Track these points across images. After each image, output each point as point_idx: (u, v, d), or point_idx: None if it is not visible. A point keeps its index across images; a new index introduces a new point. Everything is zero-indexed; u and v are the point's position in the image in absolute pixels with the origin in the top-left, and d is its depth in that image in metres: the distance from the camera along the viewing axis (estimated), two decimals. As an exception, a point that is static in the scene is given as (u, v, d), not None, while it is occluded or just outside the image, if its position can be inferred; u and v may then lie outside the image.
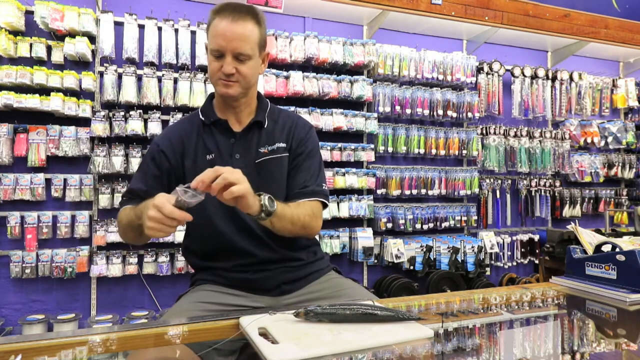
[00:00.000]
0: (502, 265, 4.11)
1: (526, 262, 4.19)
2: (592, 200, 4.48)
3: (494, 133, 4.03)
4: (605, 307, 1.22)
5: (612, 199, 4.59)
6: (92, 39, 2.99)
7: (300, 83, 3.30)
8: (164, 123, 3.07)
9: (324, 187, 1.40)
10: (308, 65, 3.52)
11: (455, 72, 3.82)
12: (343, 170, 3.45)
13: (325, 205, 1.40)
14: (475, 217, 3.95)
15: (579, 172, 4.42)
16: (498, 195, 4.13)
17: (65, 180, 2.92)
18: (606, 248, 1.39)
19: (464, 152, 3.88)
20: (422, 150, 3.75)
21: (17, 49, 2.83)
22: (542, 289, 1.43)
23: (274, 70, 3.28)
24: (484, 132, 4.03)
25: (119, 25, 3.04)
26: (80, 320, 2.90)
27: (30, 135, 2.85)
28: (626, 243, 1.43)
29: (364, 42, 3.54)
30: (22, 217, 2.84)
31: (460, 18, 3.65)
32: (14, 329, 2.84)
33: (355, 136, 3.65)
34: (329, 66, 3.50)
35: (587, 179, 4.47)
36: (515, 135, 4.11)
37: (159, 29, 3.09)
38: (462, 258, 3.71)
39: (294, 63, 3.39)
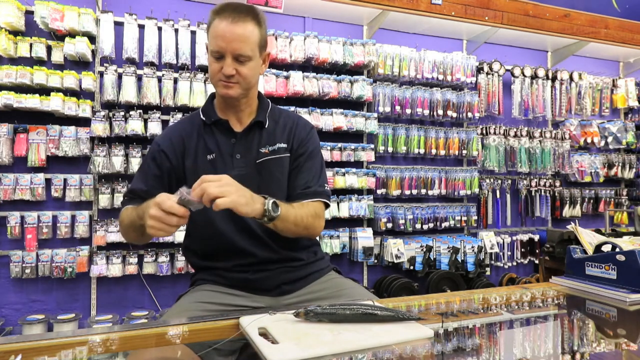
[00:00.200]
0: (502, 265, 4.11)
1: (526, 262, 4.19)
2: (592, 200, 4.48)
3: (494, 133, 4.03)
4: (605, 307, 1.22)
5: (612, 199, 4.59)
6: (92, 39, 2.99)
7: (300, 83, 3.30)
8: (164, 123, 3.07)
9: (326, 188, 1.40)
10: (308, 65, 3.52)
11: (455, 72, 3.82)
12: (343, 170, 3.45)
13: (327, 206, 1.40)
14: (475, 217, 3.95)
15: (579, 172, 4.42)
16: (498, 195, 4.14)
17: (65, 180, 2.92)
18: (606, 248, 1.39)
19: (464, 152, 3.88)
20: (422, 150, 3.75)
21: (17, 49, 2.83)
22: (542, 289, 1.43)
23: (274, 70, 3.28)
24: (484, 132, 4.03)
25: (119, 25, 3.04)
26: (80, 320, 2.90)
27: (30, 135, 2.85)
28: (626, 243, 1.43)
29: (364, 42, 3.54)
30: (22, 217, 2.84)
31: (460, 18, 3.65)
32: (14, 329, 2.84)
33: (355, 136, 3.65)
34: (329, 66, 3.50)
35: (587, 179, 4.47)
36: (515, 135, 4.11)
37: (159, 29, 3.09)
38: (462, 258, 3.71)
39: (294, 63, 3.39)
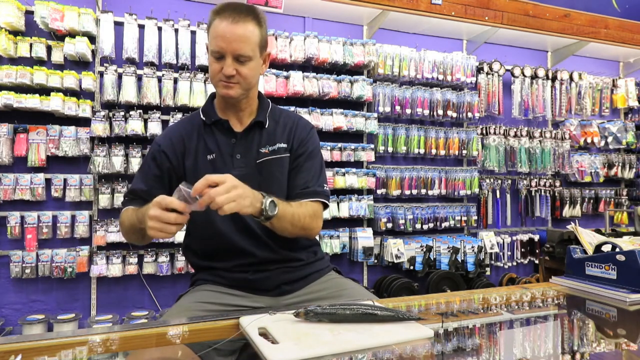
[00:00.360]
0: (502, 265, 4.11)
1: (526, 262, 4.19)
2: (592, 200, 4.48)
3: (494, 133, 4.03)
4: (605, 307, 1.22)
5: (612, 199, 4.59)
6: (92, 39, 2.99)
7: (300, 83, 3.30)
8: (164, 123, 3.07)
9: (325, 188, 1.40)
10: (308, 65, 3.52)
11: (455, 72, 3.82)
12: (343, 170, 3.45)
13: (326, 206, 1.40)
14: (475, 217, 3.95)
15: (579, 172, 4.42)
16: (498, 195, 4.13)
17: (65, 180, 2.92)
18: (606, 248, 1.39)
19: (464, 152, 3.88)
20: (422, 150, 3.75)
21: (17, 49, 2.83)
22: (542, 289, 1.43)
23: (274, 70, 3.28)
24: (484, 132, 4.03)
25: (119, 25, 3.04)
26: (80, 320, 2.90)
27: (30, 135, 2.85)
28: (626, 243, 1.43)
29: (364, 42, 3.54)
30: (22, 217, 2.84)
31: (460, 18, 3.65)
32: (14, 329, 2.84)
33: (355, 136, 3.65)
34: (329, 66, 3.50)
35: (587, 179, 4.47)
36: (515, 135, 4.11)
37: (159, 29, 3.09)
38: (462, 258, 3.71)
39: (294, 63, 3.39)
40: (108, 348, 0.97)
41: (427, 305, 1.26)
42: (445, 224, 3.80)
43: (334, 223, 3.51)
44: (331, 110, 3.41)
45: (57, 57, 2.90)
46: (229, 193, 1.03)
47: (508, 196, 4.20)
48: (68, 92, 2.90)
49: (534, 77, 4.24)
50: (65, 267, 2.86)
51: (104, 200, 2.93)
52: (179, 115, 3.07)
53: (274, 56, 3.29)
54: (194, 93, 3.08)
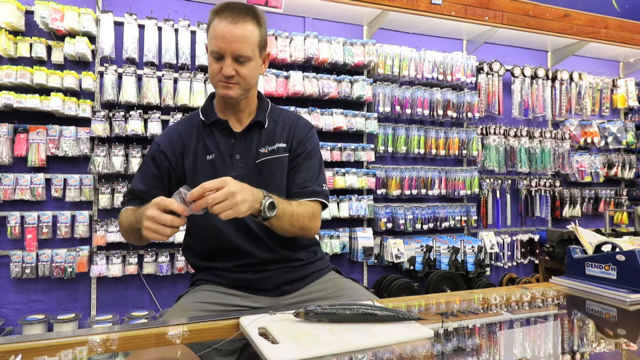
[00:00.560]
0: (502, 265, 4.11)
1: (526, 262, 4.19)
2: (592, 200, 4.48)
3: (494, 133, 4.03)
4: (605, 307, 1.22)
5: (612, 199, 4.59)
6: (92, 39, 2.99)
7: (300, 83, 3.30)
8: (164, 123, 3.07)
9: (324, 188, 1.40)
10: (308, 65, 3.52)
11: (455, 72, 3.82)
12: (343, 170, 3.45)
13: (325, 206, 1.40)
14: (475, 217, 3.95)
15: (579, 172, 4.42)
16: (498, 195, 4.13)
17: (65, 180, 2.92)
18: (606, 248, 1.39)
19: (464, 152, 3.88)
20: (422, 150, 3.75)
21: (17, 49, 2.83)
22: (542, 289, 1.43)
23: (274, 70, 3.28)
24: (484, 132, 4.03)
25: (119, 25, 3.04)
26: (80, 320, 2.90)
27: (30, 135, 2.85)
28: (626, 243, 1.43)
29: (364, 42, 3.54)
30: (22, 217, 2.84)
31: (460, 18, 3.65)
32: (14, 329, 2.84)
33: (355, 136, 3.65)
34: (329, 66, 3.50)
35: (587, 179, 4.47)
36: (515, 135, 4.11)
37: (159, 29, 3.09)
38: (462, 258, 3.71)
39: (294, 63, 3.39)
40: (108, 348, 0.97)
41: (427, 305, 1.26)
42: (445, 224, 3.80)
43: (334, 223, 3.51)
44: (331, 110, 3.40)
45: (57, 57, 2.90)
46: (226, 201, 1.03)
47: (508, 196, 4.20)
48: (68, 92, 2.90)
49: (534, 77, 4.24)
50: (65, 267, 2.86)
51: (104, 200, 2.93)
52: (179, 115, 3.06)
53: (274, 56, 3.29)
54: (194, 93, 3.08)
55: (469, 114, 3.85)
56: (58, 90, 2.86)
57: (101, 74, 3.01)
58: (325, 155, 3.34)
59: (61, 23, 2.84)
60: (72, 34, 2.90)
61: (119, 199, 2.95)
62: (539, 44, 4.36)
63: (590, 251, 1.46)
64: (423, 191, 3.74)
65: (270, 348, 0.84)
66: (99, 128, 2.88)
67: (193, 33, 3.19)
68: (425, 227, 3.72)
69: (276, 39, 3.31)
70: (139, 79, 3.03)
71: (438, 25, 3.82)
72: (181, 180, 1.38)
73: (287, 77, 3.31)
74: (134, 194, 1.36)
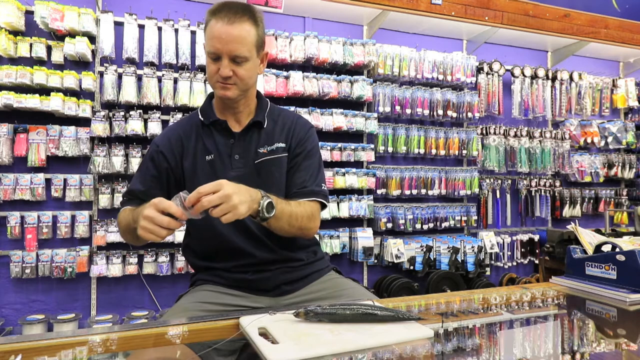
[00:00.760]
0: (502, 265, 4.11)
1: (526, 262, 4.19)
2: (592, 200, 4.48)
3: (494, 133, 4.03)
4: (605, 307, 1.22)
5: (612, 199, 4.59)
6: (92, 39, 2.99)
7: (300, 83, 3.30)
8: (164, 123, 3.07)
9: (323, 188, 1.39)
10: (308, 65, 3.52)
11: (455, 72, 3.82)
12: (343, 170, 3.45)
13: (324, 206, 1.39)
14: (475, 217, 3.95)
15: (579, 172, 4.42)
16: (498, 195, 4.14)
17: (65, 180, 2.92)
18: (606, 248, 1.39)
19: (464, 152, 3.88)
20: (422, 150, 3.75)
21: (17, 49, 2.83)
22: (542, 289, 1.43)
23: (274, 70, 3.28)
24: (484, 132, 4.03)
25: (119, 25, 3.04)
26: (80, 320, 2.90)
27: (30, 135, 2.85)
28: (626, 243, 1.43)
29: (364, 42, 3.54)
30: (22, 217, 2.84)
31: (460, 18, 3.65)
32: (14, 329, 2.84)
33: (355, 136, 3.65)
34: (329, 66, 3.50)
35: (587, 179, 4.47)
36: (515, 135, 4.11)
37: (159, 29, 3.09)
38: (462, 258, 3.71)
39: (294, 63, 3.39)
40: (108, 348, 0.97)
41: (427, 305, 1.26)
42: (445, 224, 3.80)
43: (334, 223, 3.51)
44: (331, 110, 3.40)
45: (57, 57, 2.90)
46: (223, 204, 1.02)
47: (508, 196, 4.20)
48: (68, 92, 2.90)
49: (534, 77, 4.24)
50: (65, 267, 2.86)
51: (104, 200, 2.93)
52: (179, 115, 3.06)
53: (274, 56, 3.29)
54: (194, 93, 3.08)
55: (469, 114, 3.85)
56: (58, 90, 2.86)
57: (101, 74, 3.01)
58: (325, 155, 3.34)
59: (61, 23, 2.84)
60: (72, 34, 2.90)
61: (119, 199, 2.95)
62: (539, 44, 4.36)
63: (590, 251, 1.46)
64: (423, 191, 3.74)
65: (270, 348, 0.84)
66: (99, 128, 2.88)
67: (193, 33, 3.19)
68: (425, 227, 3.72)
69: (276, 39, 3.31)
70: (139, 79, 3.03)
71: (438, 25, 3.82)
72: (180, 180, 1.38)
73: (287, 77, 3.31)
74: (133, 194, 1.36)
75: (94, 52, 3.01)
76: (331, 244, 3.42)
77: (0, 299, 2.87)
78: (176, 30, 3.12)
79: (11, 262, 2.80)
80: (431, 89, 3.78)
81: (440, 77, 3.77)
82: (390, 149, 3.67)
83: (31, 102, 2.78)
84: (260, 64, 1.36)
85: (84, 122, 2.97)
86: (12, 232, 2.81)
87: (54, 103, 2.81)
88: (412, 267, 3.59)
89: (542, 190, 4.27)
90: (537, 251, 4.15)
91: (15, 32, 2.87)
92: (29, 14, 2.91)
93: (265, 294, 1.35)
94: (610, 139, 4.52)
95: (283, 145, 1.39)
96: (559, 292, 1.39)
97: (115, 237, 2.92)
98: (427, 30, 3.94)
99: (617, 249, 1.32)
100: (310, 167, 1.40)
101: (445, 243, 3.74)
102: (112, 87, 2.94)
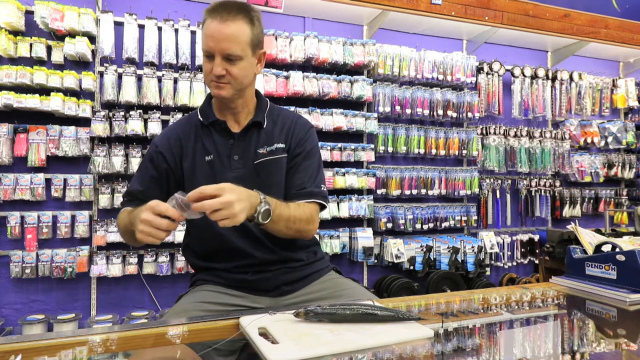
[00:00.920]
0: (502, 265, 4.11)
1: (526, 262, 4.19)
2: (592, 200, 4.48)
3: (494, 133, 4.03)
4: (605, 307, 1.22)
5: (612, 199, 4.59)
6: (92, 39, 2.99)
7: (300, 83, 3.30)
8: (164, 123, 3.07)
9: (322, 188, 1.38)
10: (308, 65, 3.52)
11: (455, 72, 3.82)
12: (343, 170, 3.45)
13: (323, 207, 1.39)
14: (475, 217, 3.95)
15: (579, 172, 4.42)
16: (498, 195, 4.14)
17: (65, 180, 2.92)
18: (606, 248, 1.39)
19: (464, 152, 3.88)
20: (422, 150, 3.75)
21: (17, 49, 2.83)
22: (542, 289, 1.43)
23: (274, 70, 3.28)
24: (484, 132, 4.03)
25: (119, 25, 3.04)
26: (80, 320, 2.90)
27: (30, 135, 2.85)
28: (626, 243, 1.43)
29: (364, 42, 3.54)
30: (22, 217, 2.84)
31: (460, 18, 3.65)
32: (14, 329, 2.84)
33: (355, 136, 3.65)
34: (329, 66, 3.50)
35: (587, 179, 4.47)
36: (515, 135, 4.11)
37: (159, 29, 3.09)
38: (462, 258, 3.71)
39: (294, 63, 3.38)
40: (108, 348, 0.97)
41: (427, 305, 1.26)
42: (445, 224, 3.80)
43: (334, 223, 3.51)
44: (331, 110, 3.40)
45: (57, 57, 2.90)
46: (224, 210, 1.01)
47: (508, 196, 4.20)
48: (68, 92, 2.90)
49: (534, 77, 4.24)
50: (65, 267, 2.86)
51: (104, 200, 2.93)
52: (179, 115, 3.06)
53: (274, 56, 3.28)
54: (194, 93, 3.08)
55: (469, 114, 3.85)
56: (58, 90, 2.86)
57: (101, 74, 3.01)
58: (325, 155, 3.34)
59: (61, 23, 2.84)
60: (72, 34, 2.90)
61: (119, 199, 2.95)
62: (539, 44, 4.35)
63: (590, 251, 1.46)
64: (423, 191, 3.74)
65: (270, 348, 0.84)
66: (99, 128, 2.88)
67: (193, 33, 3.19)
68: (425, 227, 3.72)
69: (276, 39, 3.31)
70: (139, 79, 3.03)
71: (438, 25, 3.82)
72: (180, 181, 1.38)
73: (287, 77, 3.31)
74: (132, 195, 1.36)
75: (94, 52, 3.01)
76: (331, 244, 3.42)
77: (0, 299, 2.87)
78: (176, 30, 3.12)
79: (11, 262, 2.80)
80: (431, 89, 3.78)
81: (440, 77, 3.77)
82: (390, 149, 3.67)
83: (31, 102, 2.78)
84: (258, 64, 1.35)
85: (84, 122, 2.97)
86: (12, 232, 2.81)
87: (54, 103, 2.81)
88: (412, 267, 3.59)
89: (542, 190, 4.27)
90: (537, 251, 4.15)
91: (15, 32, 2.87)
92: (29, 14, 2.91)
93: (265, 294, 1.35)
94: (610, 139, 4.52)
95: (282, 145, 1.39)
96: (559, 292, 1.39)
97: (115, 237, 2.92)
98: (427, 30, 3.94)
99: (617, 249, 1.32)
100: (310, 168, 1.39)
101: (445, 243, 3.74)
102: (112, 87, 2.94)
